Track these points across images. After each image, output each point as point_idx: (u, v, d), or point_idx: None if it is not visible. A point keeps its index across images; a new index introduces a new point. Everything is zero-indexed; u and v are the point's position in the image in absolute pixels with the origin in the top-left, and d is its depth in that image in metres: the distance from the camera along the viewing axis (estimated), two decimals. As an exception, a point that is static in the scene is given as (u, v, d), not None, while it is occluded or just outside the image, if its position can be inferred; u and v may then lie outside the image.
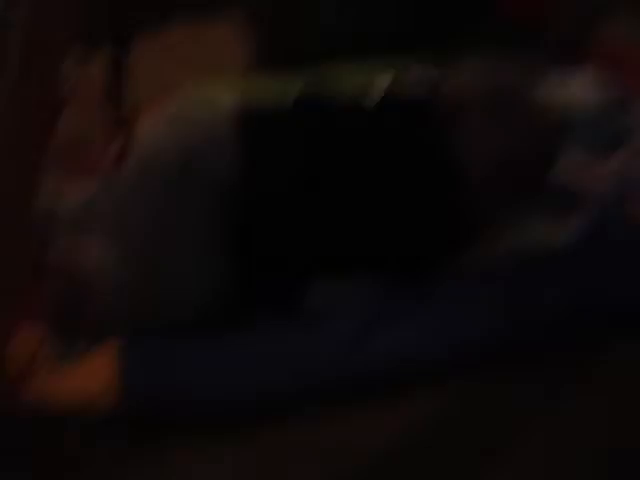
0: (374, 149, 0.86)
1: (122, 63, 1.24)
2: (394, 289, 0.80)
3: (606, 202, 0.89)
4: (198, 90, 1.33)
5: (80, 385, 0.71)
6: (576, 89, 1.17)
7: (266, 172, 0.82)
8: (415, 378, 0.70)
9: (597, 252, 0.81)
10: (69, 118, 0.64)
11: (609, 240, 0.83)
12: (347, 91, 0.97)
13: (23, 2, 0.59)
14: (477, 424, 0.66)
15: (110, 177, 0.84)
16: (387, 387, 0.69)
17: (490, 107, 0.89)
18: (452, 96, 0.91)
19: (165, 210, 0.80)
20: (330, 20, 1.46)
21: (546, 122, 0.94)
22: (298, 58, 1.39)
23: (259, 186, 0.82)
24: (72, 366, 0.74)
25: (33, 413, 0.70)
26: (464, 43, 1.35)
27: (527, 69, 1.15)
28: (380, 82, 0.99)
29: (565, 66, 1.25)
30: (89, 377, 0.71)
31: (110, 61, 1.25)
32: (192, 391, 0.70)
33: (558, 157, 0.95)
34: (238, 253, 0.82)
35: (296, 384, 0.70)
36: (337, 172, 0.83)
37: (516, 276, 0.80)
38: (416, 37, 1.40)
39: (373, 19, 1.44)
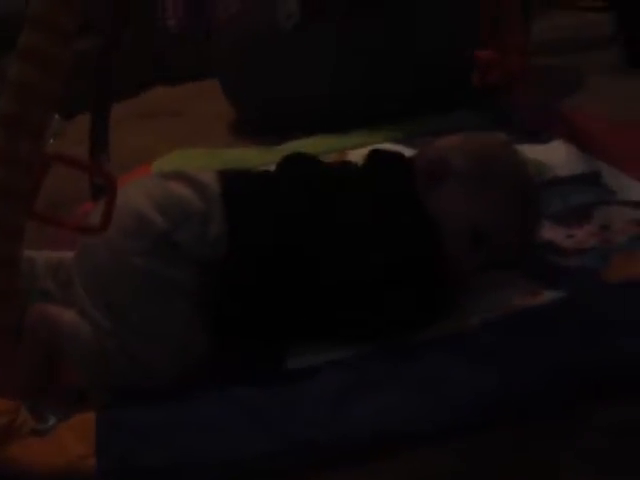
0: (355, 207, 0.86)
1: (102, 128, 1.25)
2: (377, 351, 0.80)
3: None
4: (178, 160, 1.35)
5: (54, 457, 0.69)
6: (549, 156, 1.20)
7: (243, 241, 0.81)
8: (399, 443, 0.69)
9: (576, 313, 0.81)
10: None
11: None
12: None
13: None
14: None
15: (88, 243, 0.83)
16: (371, 452, 0.68)
17: (470, 172, 0.89)
18: (433, 155, 0.92)
19: (147, 282, 0.79)
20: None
21: (529, 195, 0.92)
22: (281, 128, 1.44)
23: (235, 258, 0.81)
24: (46, 437, 0.72)
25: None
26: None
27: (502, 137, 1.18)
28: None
29: (534, 135, 1.29)
30: (63, 448, 0.70)
31: (91, 125, 1.26)
32: (169, 457, 0.69)
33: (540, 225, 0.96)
34: (218, 322, 0.81)
35: (279, 445, 0.68)
36: (312, 236, 0.83)
37: (502, 337, 0.80)
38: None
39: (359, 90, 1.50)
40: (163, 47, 2.20)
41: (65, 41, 0.63)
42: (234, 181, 0.86)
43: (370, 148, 0.97)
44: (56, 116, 1.53)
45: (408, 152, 0.99)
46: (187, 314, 0.79)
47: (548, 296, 0.85)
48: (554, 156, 1.20)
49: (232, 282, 0.80)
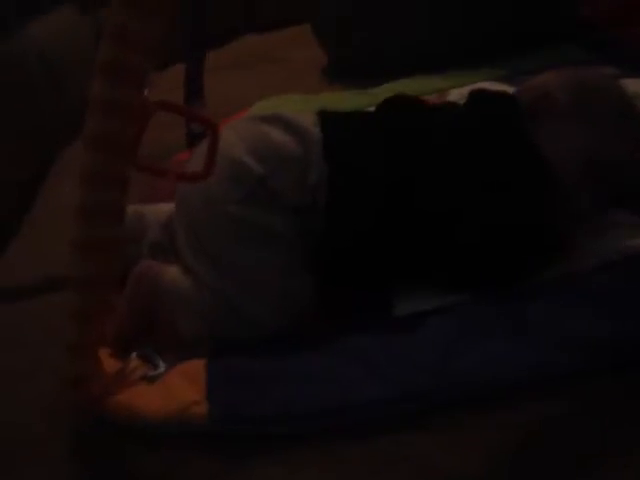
0: (464, 146, 0.82)
1: (196, 75, 1.24)
2: (488, 296, 0.77)
3: None
4: (274, 106, 1.34)
5: (166, 403, 0.69)
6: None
7: (348, 183, 0.79)
8: (510, 392, 0.67)
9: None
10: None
11: None
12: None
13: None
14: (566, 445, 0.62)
15: (184, 193, 0.82)
16: (483, 400, 0.66)
17: (577, 104, 0.86)
18: (538, 90, 0.88)
19: (243, 230, 0.77)
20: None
21: (636, 122, 0.90)
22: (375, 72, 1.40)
23: (341, 201, 0.78)
24: (157, 384, 0.72)
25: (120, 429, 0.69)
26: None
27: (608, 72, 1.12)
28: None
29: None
30: (174, 394, 0.70)
31: (186, 72, 1.25)
32: (278, 405, 0.68)
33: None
34: (323, 270, 0.79)
35: (390, 393, 0.67)
36: (423, 172, 0.80)
37: (620, 281, 0.76)
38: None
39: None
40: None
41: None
42: (335, 124, 0.83)
43: (471, 87, 0.93)
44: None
45: (511, 90, 0.95)
46: (287, 262, 0.78)
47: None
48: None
49: (336, 228, 0.78)
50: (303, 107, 1.33)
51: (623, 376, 0.66)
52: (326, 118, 0.83)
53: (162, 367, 0.74)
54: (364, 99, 1.27)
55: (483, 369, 0.68)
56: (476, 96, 0.90)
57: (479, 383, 0.67)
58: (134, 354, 0.74)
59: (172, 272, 0.81)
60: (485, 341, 0.71)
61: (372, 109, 0.90)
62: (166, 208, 0.90)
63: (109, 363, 0.73)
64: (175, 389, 0.71)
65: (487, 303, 0.76)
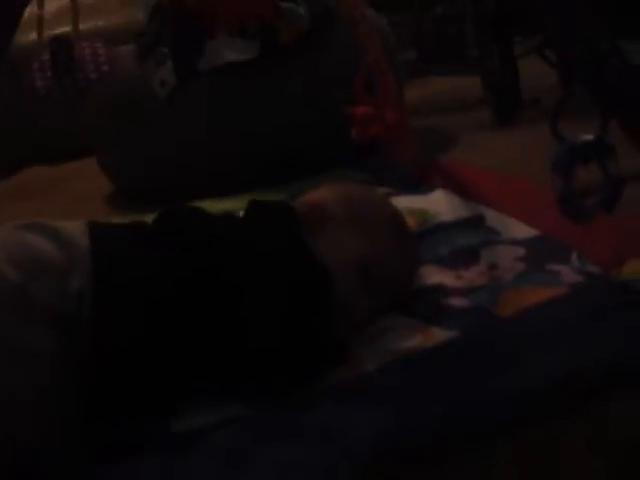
0: (243, 255, 0.82)
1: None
2: (264, 412, 0.74)
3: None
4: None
5: None
6: (432, 205, 1.20)
7: (115, 294, 0.75)
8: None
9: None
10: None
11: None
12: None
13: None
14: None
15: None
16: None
17: (351, 216, 0.90)
18: (312, 203, 0.91)
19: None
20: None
21: (405, 230, 0.96)
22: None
23: (110, 312, 0.74)
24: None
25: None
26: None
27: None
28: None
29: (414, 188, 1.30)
30: None
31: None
32: None
33: (418, 266, 0.97)
34: (91, 388, 0.74)
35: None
36: (200, 285, 0.78)
37: (399, 381, 0.77)
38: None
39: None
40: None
41: None
42: (104, 233, 0.80)
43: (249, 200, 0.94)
44: None
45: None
46: (48, 380, 0.71)
47: (442, 336, 0.83)
48: (437, 204, 1.20)
49: (101, 342, 0.73)
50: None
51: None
52: (96, 227, 0.80)
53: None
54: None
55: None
56: (254, 207, 0.91)
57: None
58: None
59: None
60: (268, 449, 0.68)
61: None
62: None
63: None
64: None
65: (267, 413, 0.74)
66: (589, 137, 0.94)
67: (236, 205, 1.33)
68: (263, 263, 0.82)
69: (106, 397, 0.74)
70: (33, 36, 2.26)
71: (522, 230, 1.07)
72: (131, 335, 0.75)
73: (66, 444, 0.70)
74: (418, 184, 1.31)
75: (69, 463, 0.70)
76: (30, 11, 2.07)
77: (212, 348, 0.77)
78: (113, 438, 0.72)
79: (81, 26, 2.28)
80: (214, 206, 1.34)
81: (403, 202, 1.22)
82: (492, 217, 1.12)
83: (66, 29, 2.28)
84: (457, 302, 0.90)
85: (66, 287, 0.73)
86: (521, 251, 1.01)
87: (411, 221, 1.13)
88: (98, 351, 0.73)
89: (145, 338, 0.75)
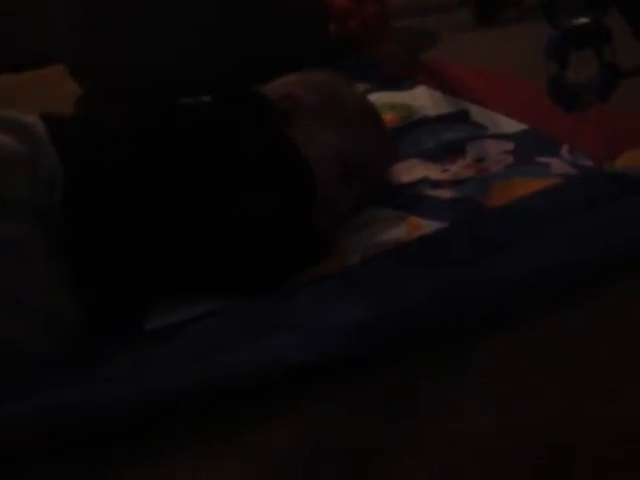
0: (220, 142, 0.77)
1: None
2: (249, 301, 0.70)
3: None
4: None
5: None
6: (415, 100, 1.15)
7: (87, 178, 0.70)
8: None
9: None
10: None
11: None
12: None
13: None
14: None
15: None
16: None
17: (322, 105, 0.85)
18: (280, 90, 0.86)
19: None
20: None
21: (378, 121, 0.92)
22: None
23: (79, 198, 0.69)
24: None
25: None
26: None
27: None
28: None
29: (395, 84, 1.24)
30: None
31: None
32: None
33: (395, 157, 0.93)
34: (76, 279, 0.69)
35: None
36: (175, 168, 0.73)
37: (384, 273, 0.72)
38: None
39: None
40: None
41: None
42: (62, 121, 0.75)
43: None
44: None
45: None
46: (34, 273, 0.67)
47: (429, 227, 0.79)
48: (420, 99, 1.15)
49: (74, 228, 0.68)
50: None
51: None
52: (53, 115, 0.75)
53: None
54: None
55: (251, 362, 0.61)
56: (223, 95, 0.85)
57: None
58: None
59: None
60: (252, 338, 0.64)
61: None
62: None
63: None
64: None
65: (250, 305, 0.70)
66: (585, 20, 0.88)
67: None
68: (238, 153, 0.77)
69: (82, 287, 0.69)
70: None
71: (509, 124, 1.02)
72: (102, 220, 0.70)
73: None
74: (399, 80, 1.26)
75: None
76: None
77: (185, 242, 0.72)
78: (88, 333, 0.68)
79: None
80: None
81: (385, 97, 1.17)
82: (478, 112, 1.08)
83: None
84: (444, 194, 0.86)
85: (36, 178, 0.69)
86: (509, 145, 0.96)
87: (394, 115, 1.08)
88: (71, 238, 0.68)
89: (116, 224, 0.70)
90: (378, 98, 1.14)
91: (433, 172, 0.92)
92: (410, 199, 0.86)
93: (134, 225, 0.70)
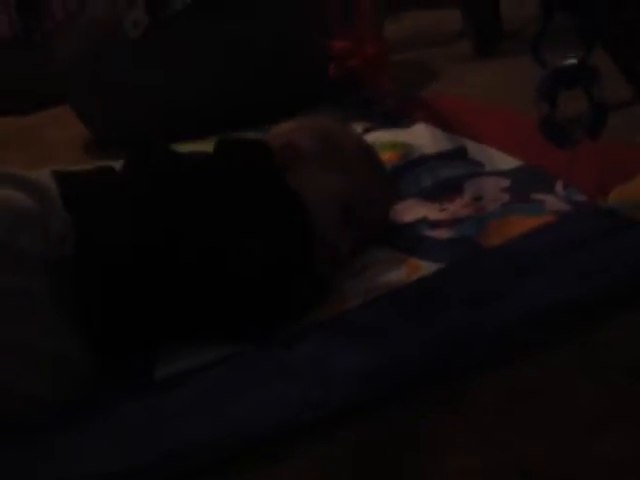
0: (220, 192, 0.80)
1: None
2: (248, 352, 0.73)
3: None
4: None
5: None
6: (414, 138, 1.18)
7: (95, 231, 0.74)
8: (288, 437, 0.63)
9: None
10: None
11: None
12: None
13: None
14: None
15: None
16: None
17: (323, 150, 0.88)
18: (282, 138, 0.89)
19: None
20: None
21: (379, 163, 0.95)
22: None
23: (91, 252, 0.73)
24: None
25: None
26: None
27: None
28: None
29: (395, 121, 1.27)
30: None
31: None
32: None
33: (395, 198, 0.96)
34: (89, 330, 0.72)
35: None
36: (180, 218, 0.76)
37: (386, 316, 0.75)
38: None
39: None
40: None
41: None
42: (71, 177, 0.78)
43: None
44: None
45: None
46: (46, 324, 0.70)
47: (428, 268, 0.81)
48: (419, 137, 1.18)
49: (84, 281, 0.72)
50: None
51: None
52: (62, 173, 0.79)
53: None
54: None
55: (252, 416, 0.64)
56: (224, 143, 0.88)
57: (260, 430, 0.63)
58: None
59: None
60: (251, 389, 0.66)
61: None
62: None
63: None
64: None
65: (252, 353, 0.72)
66: (573, 61, 0.91)
67: (210, 147, 1.31)
68: (240, 200, 0.80)
69: (94, 336, 0.72)
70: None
71: (505, 161, 1.05)
72: (113, 272, 0.73)
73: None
74: (399, 118, 1.29)
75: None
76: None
77: (193, 285, 0.75)
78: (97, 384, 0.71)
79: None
80: (188, 148, 1.31)
81: (385, 136, 1.20)
82: (475, 149, 1.10)
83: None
84: (442, 234, 0.89)
85: (49, 233, 0.72)
86: (505, 182, 0.99)
87: (394, 154, 1.11)
88: (82, 290, 0.72)
89: (124, 272, 0.73)
90: (378, 137, 1.17)
91: (432, 212, 0.95)
92: (410, 240, 0.88)
93: (141, 271, 0.73)
